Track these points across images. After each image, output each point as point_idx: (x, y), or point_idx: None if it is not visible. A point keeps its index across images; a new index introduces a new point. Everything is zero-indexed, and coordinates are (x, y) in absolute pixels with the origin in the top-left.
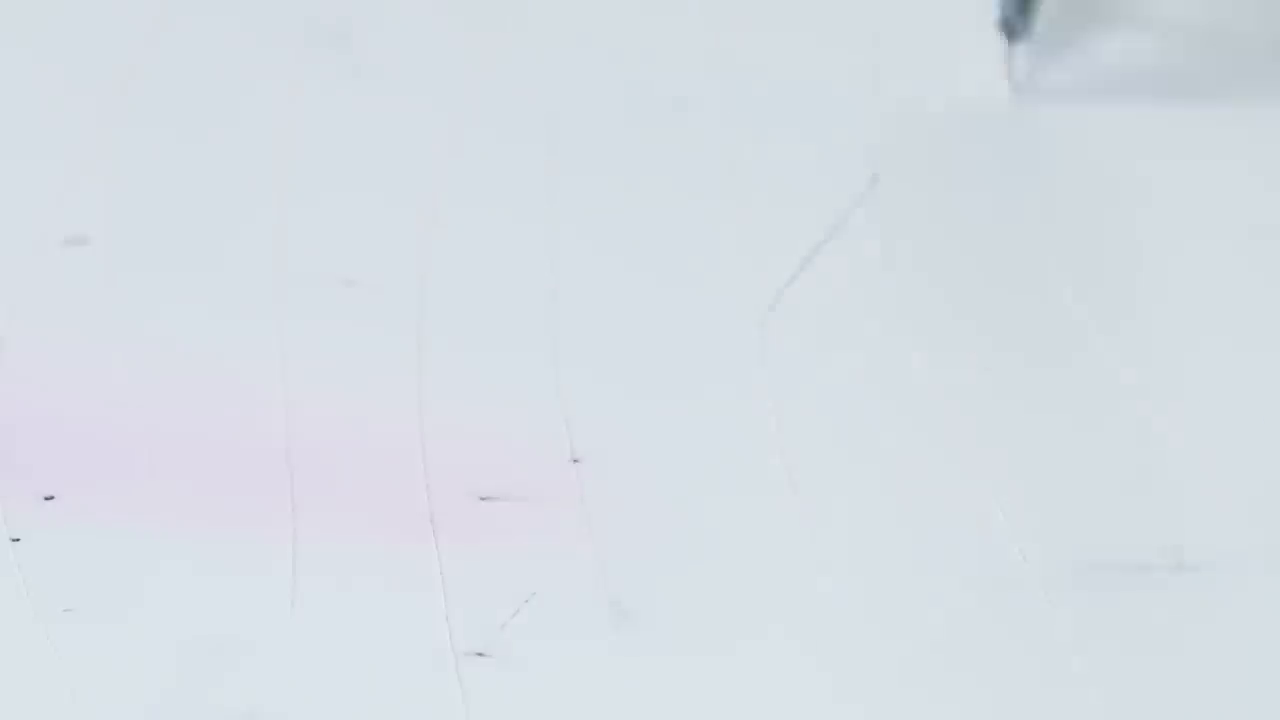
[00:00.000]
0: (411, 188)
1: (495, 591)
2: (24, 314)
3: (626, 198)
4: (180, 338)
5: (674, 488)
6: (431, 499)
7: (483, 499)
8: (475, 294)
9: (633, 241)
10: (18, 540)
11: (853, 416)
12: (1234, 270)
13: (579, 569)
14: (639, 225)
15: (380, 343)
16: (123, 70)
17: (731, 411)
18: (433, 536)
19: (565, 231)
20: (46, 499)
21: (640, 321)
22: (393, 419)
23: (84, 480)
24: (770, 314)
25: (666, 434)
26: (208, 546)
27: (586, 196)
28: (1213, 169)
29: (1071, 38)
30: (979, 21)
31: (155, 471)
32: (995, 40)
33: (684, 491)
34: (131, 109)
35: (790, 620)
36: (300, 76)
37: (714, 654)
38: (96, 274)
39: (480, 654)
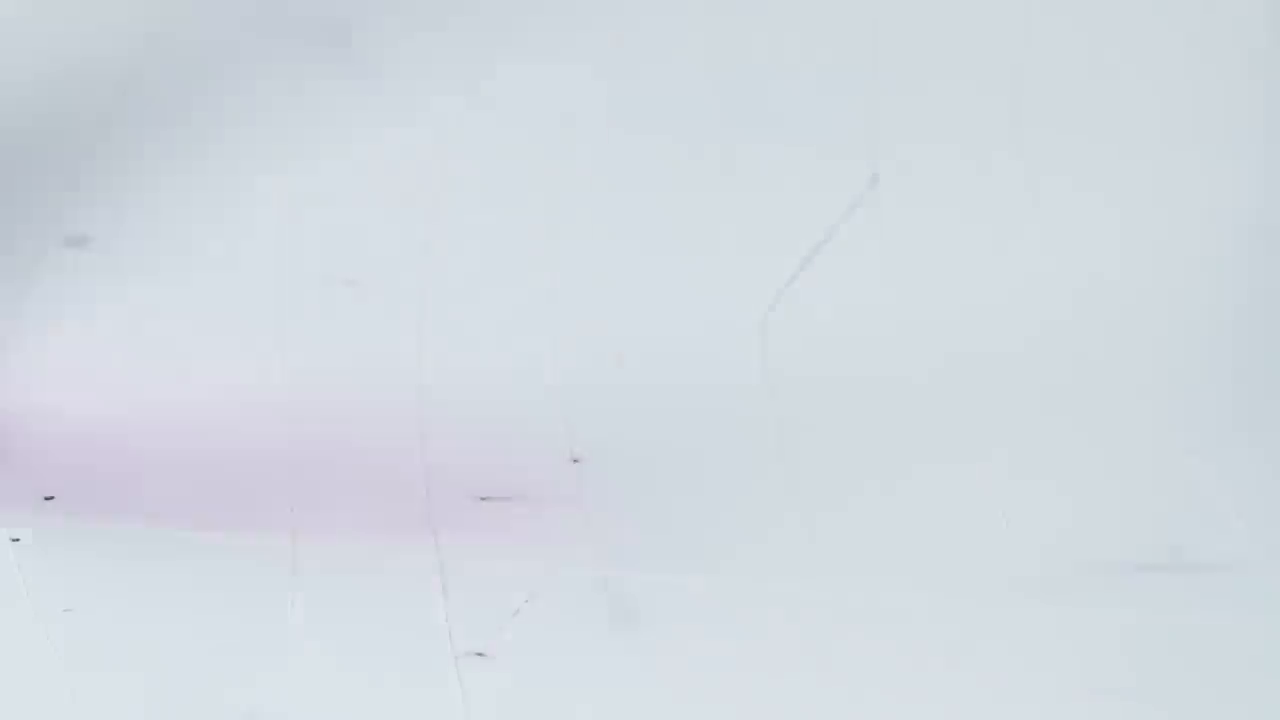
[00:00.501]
0: (412, 188)
1: (495, 591)
2: (24, 314)
3: (626, 198)
4: (180, 338)
5: (674, 488)
6: (431, 499)
7: (483, 499)
8: (476, 294)
9: (632, 241)
10: (18, 540)
11: (852, 417)
12: (1232, 270)
13: (579, 569)
14: (639, 225)
15: (380, 343)
16: (123, 70)
17: (731, 411)
18: (433, 536)
19: (565, 232)
20: (46, 499)
21: (640, 321)
22: (393, 419)
23: (84, 480)
24: (770, 314)
25: (666, 434)
26: (208, 547)
27: (586, 196)
28: (1207, 167)
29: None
30: (980, 23)
31: (155, 471)
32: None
33: (684, 492)
34: (131, 109)
35: (790, 620)
36: (300, 76)
37: (712, 654)
38: (96, 274)
39: (480, 654)
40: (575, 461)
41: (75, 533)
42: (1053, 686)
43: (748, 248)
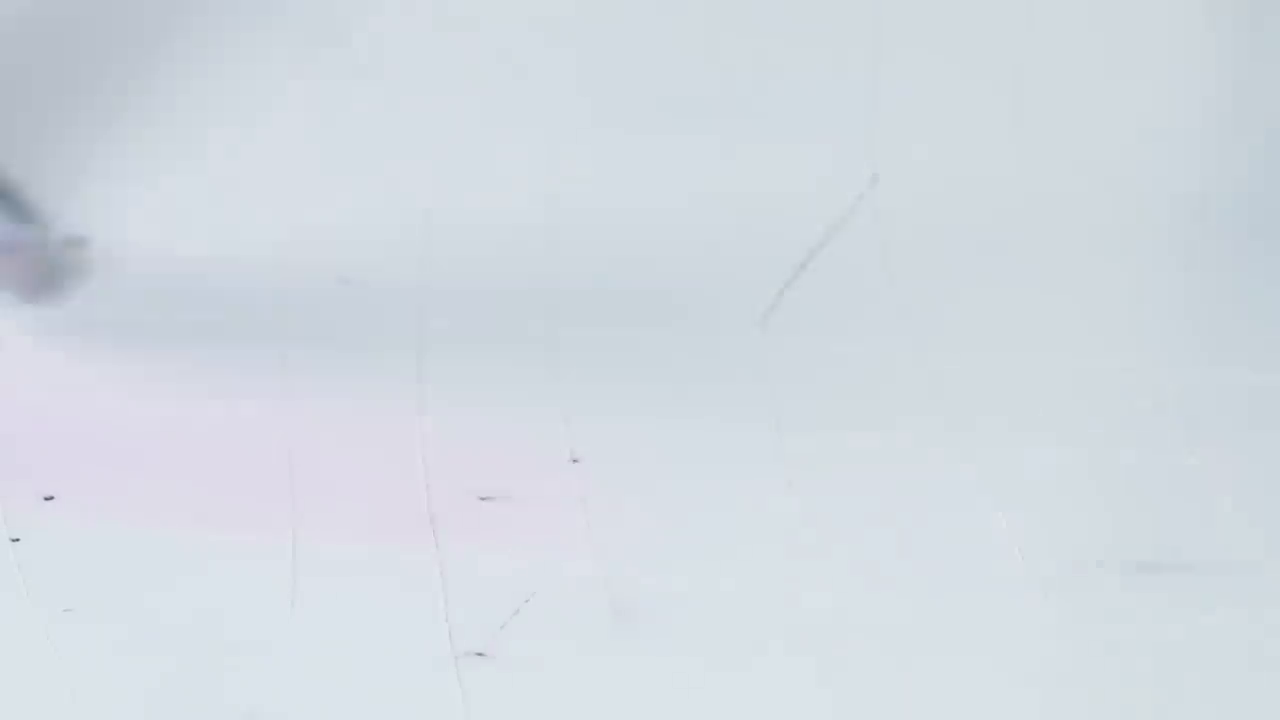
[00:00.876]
0: (412, 187)
1: (495, 591)
2: (24, 314)
3: (625, 198)
4: (179, 338)
5: (674, 488)
6: (431, 499)
7: (483, 499)
8: (475, 294)
9: (632, 241)
10: (18, 540)
11: (852, 417)
12: (1232, 270)
13: (579, 569)
14: (638, 225)
15: (380, 343)
16: (122, 70)
17: (731, 411)
18: (433, 536)
19: (565, 232)
20: (46, 499)
21: (640, 322)
22: (393, 419)
23: (84, 480)
24: (770, 314)
25: (666, 434)
26: (208, 547)
27: (586, 196)
28: (1207, 167)
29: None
30: (981, 22)
31: (155, 471)
32: (999, 43)
33: (684, 491)
34: (131, 109)
35: (789, 620)
36: (300, 76)
37: (713, 654)
38: (96, 274)
39: (480, 654)
40: (575, 461)
41: (75, 533)
42: (1053, 686)
43: (748, 248)
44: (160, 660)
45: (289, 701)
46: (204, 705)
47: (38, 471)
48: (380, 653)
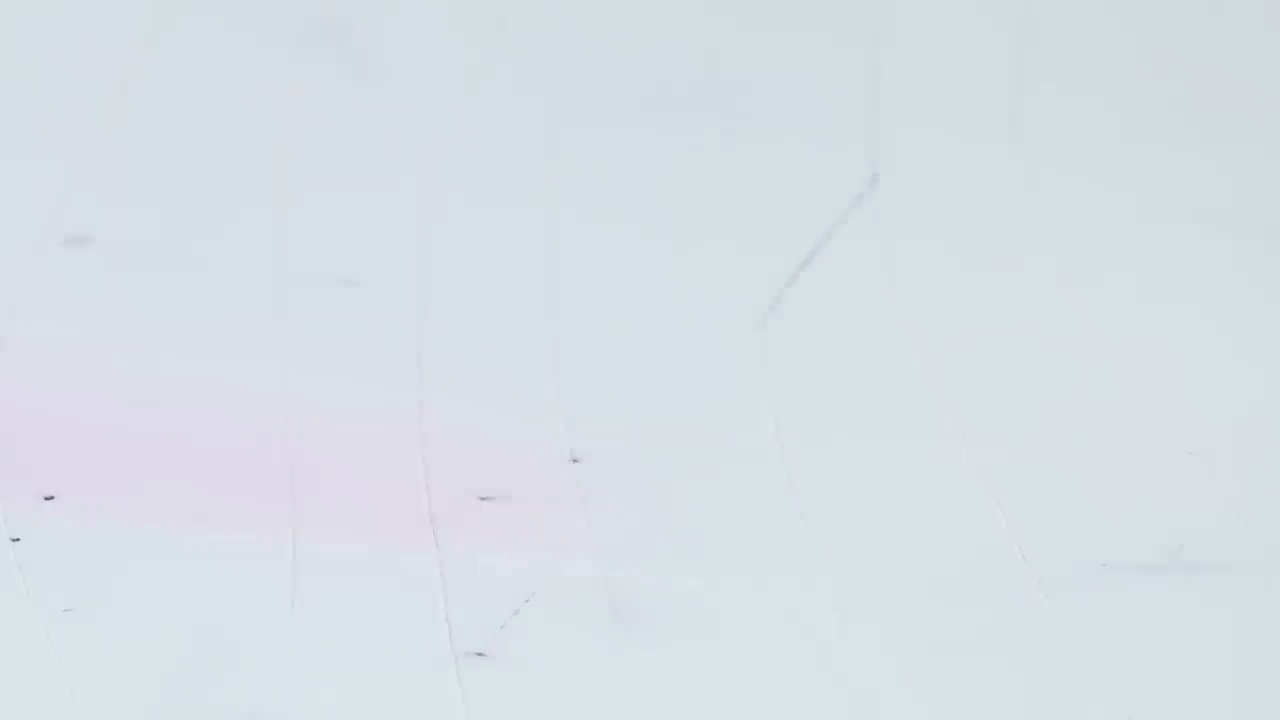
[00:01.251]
0: (411, 187)
1: (495, 591)
2: (24, 314)
3: (626, 198)
4: (180, 338)
5: (674, 488)
6: (431, 499)
7: (483, 499)
8: (475, 294)
9: (632, 241)
10: (18, 540)
11: (852, 416)
12: (1232, 270)
13: (579, 569)
14: (638, 225)
15: (380, 343)
16: (123, 70)
17: (731, 411)
18: (433, 536)
19: (565, 231)
20: (46, 499)
21: (640, 321)
22: (393, 419)
23: (84, 480)
24: (770, 314)
25: (666, 434)
26: (208, 547)
27: (586, 196)
28: (1207, 167)
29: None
30: (982, 23)
31: (155, 471)
32: (997, 43)
33: (684, 491)
34: (131, 109)
35: (789, 620)
36: (300, 76)
37: (712, 654)
38: (96, 274)
39: (480, 654)
40: (575, 461)
41: (75, 533)
42: (1052, 686)
43: (748, 248)
44: (160, 660)
45: (289, 701)
46: (204, 705)
47: (38, 471)
48: (380, 653)
